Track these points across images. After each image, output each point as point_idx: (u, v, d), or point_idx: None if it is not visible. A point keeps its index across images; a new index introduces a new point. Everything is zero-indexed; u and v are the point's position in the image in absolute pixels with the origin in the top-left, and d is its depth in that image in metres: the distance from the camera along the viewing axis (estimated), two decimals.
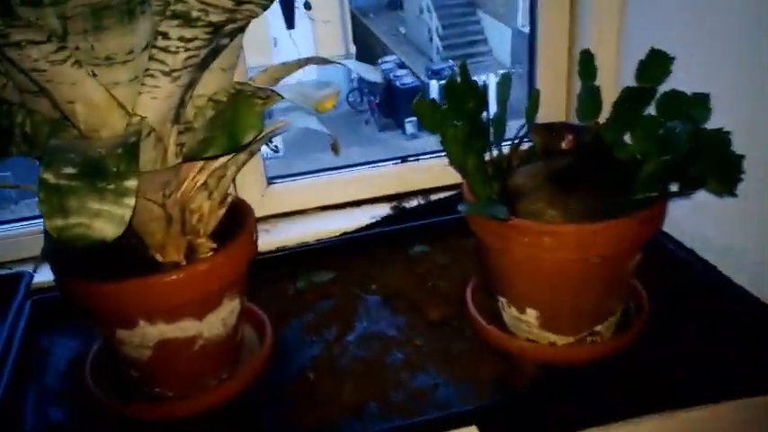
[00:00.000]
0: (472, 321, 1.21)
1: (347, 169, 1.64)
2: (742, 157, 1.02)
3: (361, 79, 10.47)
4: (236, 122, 0.79)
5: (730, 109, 1.09)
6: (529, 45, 1.62)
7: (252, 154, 1.00)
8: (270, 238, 1.51)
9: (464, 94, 1.13)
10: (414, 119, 9.62)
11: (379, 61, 10.41)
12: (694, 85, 1.05)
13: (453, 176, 1.16)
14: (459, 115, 1.12)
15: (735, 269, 1.25)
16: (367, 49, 11.55)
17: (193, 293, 0.93)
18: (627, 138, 1.17)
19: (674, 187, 1.06)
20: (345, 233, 1.53)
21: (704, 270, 1.30)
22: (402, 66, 10.55)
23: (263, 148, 1.20)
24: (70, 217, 0.58)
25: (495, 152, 1.16)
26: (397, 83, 9.43)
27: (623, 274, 1.11)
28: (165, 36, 0.67)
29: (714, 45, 1.23)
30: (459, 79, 1.14)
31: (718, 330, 1.16)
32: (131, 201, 0.59)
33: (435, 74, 9.81)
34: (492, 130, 1.19)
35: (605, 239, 1.03)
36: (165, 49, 0.68)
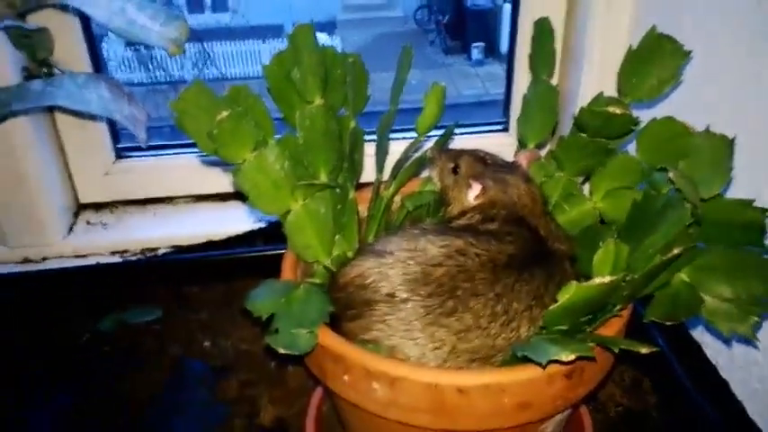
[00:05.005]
0: None
1: None
2: None
3: None
4: None
5: None
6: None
7: None
8: (105, 237, 1.07)
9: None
10: (481, 44, 8.82)
11: None
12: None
13: None
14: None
15: None
16: None
17: None
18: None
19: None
20: (211, 242, 1.08)
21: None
22: None
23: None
24: None
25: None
26: (468, 2, 8.60)
27: None
28: None
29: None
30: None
31: None
32: None
33: None
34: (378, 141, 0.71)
35: (488, 402, 0.54)
36: None
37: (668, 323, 0.58)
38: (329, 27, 6.58)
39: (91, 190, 1.11)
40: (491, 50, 7.64)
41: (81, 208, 1.11)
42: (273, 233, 1.09)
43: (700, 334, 0.84)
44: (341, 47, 0.68)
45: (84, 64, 1.00)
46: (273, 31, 5.60)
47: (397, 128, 0.79)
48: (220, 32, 5.67)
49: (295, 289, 0.61)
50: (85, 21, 0.99)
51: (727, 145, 0.58)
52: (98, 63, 1.04)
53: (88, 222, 1.09)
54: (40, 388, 0.89)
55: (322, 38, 0.69)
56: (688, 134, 0.60)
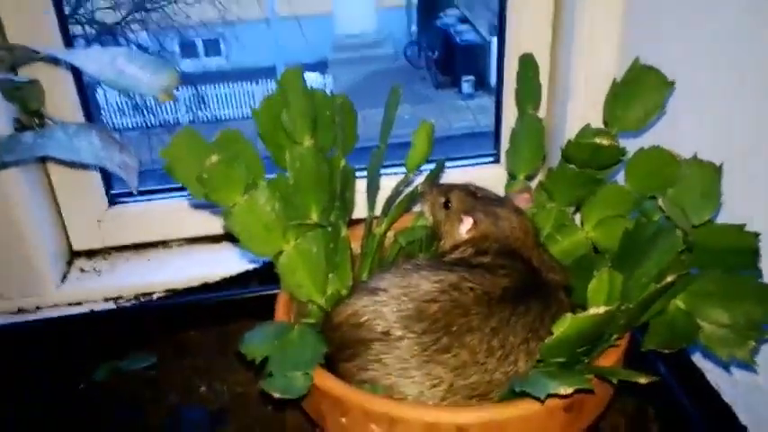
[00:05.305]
0: None
1: None
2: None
3: (420, 32, 9.78)
4: None
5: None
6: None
7: None
8: (99, 284, 1.07)
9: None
10: (471, 78, 8.90)
11: (441, 15, 9.70)
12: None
13: None
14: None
15: None
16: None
17: None
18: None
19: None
20: (206, 284, 1.07)
21: None
22: (464, 20, 9.79)
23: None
24: None
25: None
26: (457, 39, 8.75)
27: None
28: None
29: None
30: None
31: None
32: None
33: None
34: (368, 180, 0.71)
35: None
36: None
37: (667, 351, 0.57)
38: (321, 67, 6.67)
39: (84, 237, 1.11)
40: (481, 84, 7.73)
41: (74, 255, 1.11)
42: (269, 273, 1.09)
43: (700, 360, 0.83)
44: (332, 86, 0.69)
45: (76, 113, 1.01)
46: (266, 72, 5.67)
47: (389, 162, 0.80)
48: (214, 75, 5.75)
49: (289, 331, 0.61)
50: (77, 71, 1.00)
51: (716, 171, 0.58)
52: (90, 111, 1.05)
53: (82, 270, 1.09)
54: None
55: (313, 77, 0.70)
56: (675, 163, 0.61)
